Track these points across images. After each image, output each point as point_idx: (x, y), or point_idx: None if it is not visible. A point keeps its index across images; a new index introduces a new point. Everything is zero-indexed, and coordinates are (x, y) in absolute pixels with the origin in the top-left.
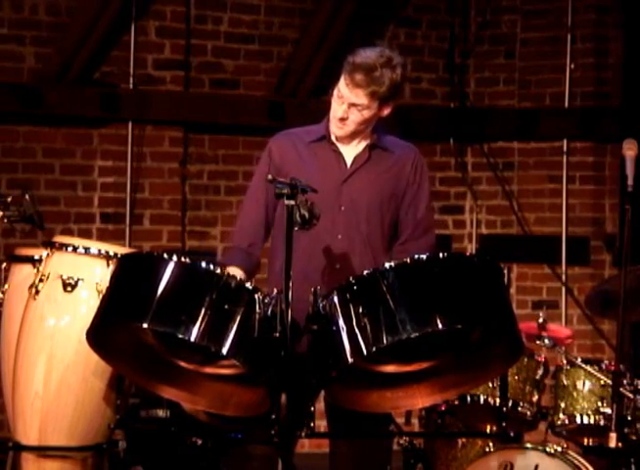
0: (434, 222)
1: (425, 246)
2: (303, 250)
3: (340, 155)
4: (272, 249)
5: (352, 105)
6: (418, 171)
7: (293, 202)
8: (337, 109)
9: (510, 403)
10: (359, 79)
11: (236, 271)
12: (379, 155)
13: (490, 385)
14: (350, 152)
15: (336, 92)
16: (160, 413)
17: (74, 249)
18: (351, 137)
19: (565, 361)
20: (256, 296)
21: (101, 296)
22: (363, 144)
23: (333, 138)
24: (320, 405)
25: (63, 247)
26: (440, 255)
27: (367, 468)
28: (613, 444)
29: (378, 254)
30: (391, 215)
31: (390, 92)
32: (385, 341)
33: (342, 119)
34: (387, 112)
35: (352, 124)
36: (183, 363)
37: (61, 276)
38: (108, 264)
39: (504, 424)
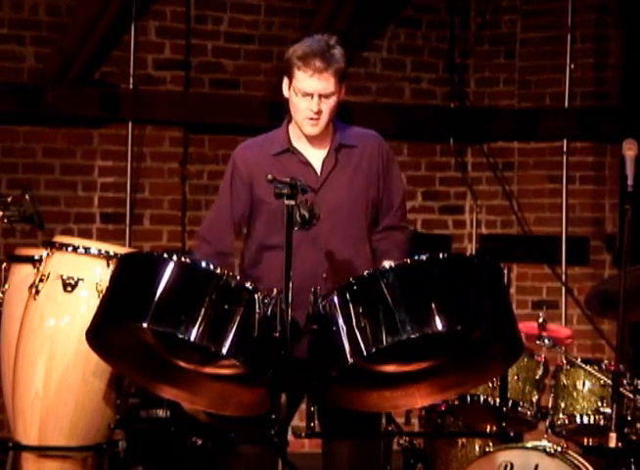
0: (406, 207)
1: (402, 237)
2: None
3: (308, 165)
4: (252, 261)
5: (321, 95)
6: (383, 158)
7: (293, 202)
8: (309, 105)
9: (510, 403)
10: (319, 64)
11: None
12: (345, 154)
13: (490, 385)
14: (317, 158)
15: (298, 92)
16: (160, 413)
17: (74, 249)
18: (321, 133)
19: (565, 361)
20: (256, 296)
21: (101, 296)
22: (327, 145)
23: (298, 144)
24: None
25: (63, 247)
26: (440, 255)
27: (362, 469)
28: (613, 444)
29: (362, 249)
30: (372, 208)
31: (346, 66)
32: (384, 341)
33: (318, 113)
34: (343, 92)
35: (326, 115)
36: (183, 363)
37: (61, 276)
38: (108, 264)
39: (504, 424)
